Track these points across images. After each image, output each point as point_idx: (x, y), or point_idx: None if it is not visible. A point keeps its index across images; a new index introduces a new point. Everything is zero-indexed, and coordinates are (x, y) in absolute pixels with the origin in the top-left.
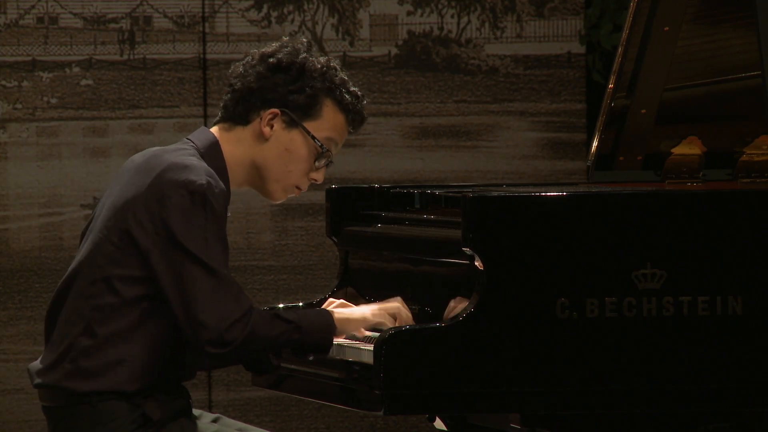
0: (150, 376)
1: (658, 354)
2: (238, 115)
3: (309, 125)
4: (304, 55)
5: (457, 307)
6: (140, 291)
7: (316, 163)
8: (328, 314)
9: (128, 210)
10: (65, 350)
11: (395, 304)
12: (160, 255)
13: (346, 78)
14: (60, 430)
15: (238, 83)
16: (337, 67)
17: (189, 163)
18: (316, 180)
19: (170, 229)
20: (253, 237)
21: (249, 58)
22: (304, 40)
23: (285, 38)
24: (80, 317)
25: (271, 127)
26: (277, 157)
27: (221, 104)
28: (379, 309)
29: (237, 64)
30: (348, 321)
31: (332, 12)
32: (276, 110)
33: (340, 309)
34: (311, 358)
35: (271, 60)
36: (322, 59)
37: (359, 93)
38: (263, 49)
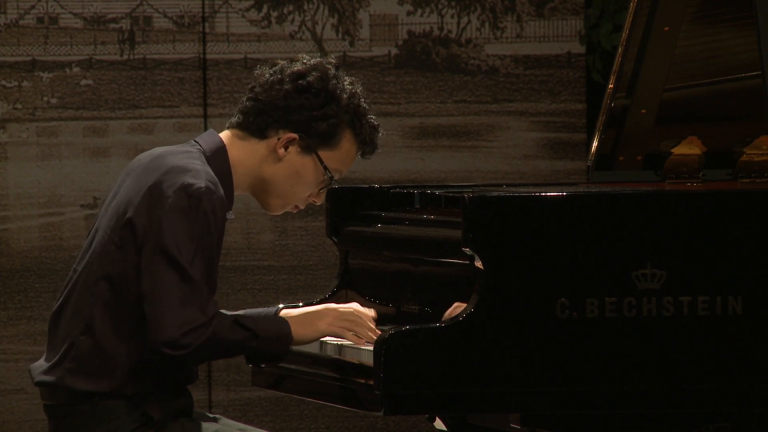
0: (151, 376)
1: (658, 354)
2: (255, 127)
3: (323, 154)
4: (334, 81)
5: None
6: (140, 291)
7: (320, 190)
8: (286, 324)
9: (130, 209)
10: (67, 349)
11: (351, 311)
12: (147, 251)
13: (367, 107)
14: (61, 428)
15: (263, 95)
16: (361, 94)
17: (192, 166)
18: (315, 202)
19: (161, 229)
20: (253, 237)
21: (278, 71)
22: (333, 61)
23: (316, 59)
24: (82, 316)
25: (287, 149)
26: (285, 177)
27: (239, 108)
28: (336, 319)
29: (264, 70)
30: (305, 331)
31: (332, 12)
32: (295, 135)
33: (298, 313)
34: (263, 366)
35: (301, 81)
36: (348, 85)
37: (376, 123)
38: (294, 67)
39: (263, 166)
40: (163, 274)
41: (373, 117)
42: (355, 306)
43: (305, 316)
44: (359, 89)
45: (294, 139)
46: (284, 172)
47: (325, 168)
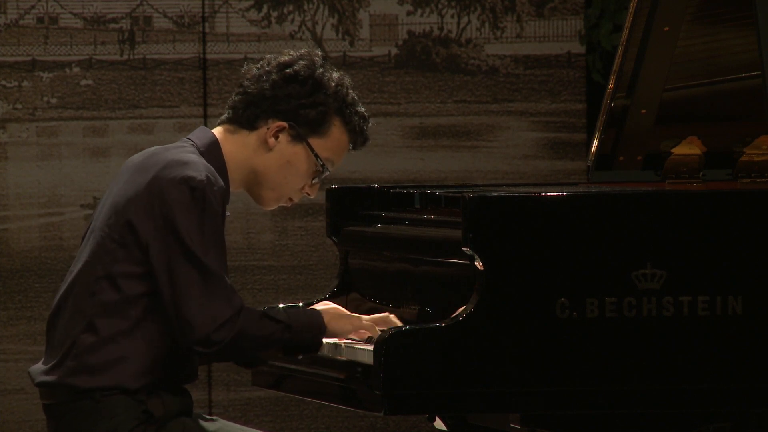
0: (153, 373)
1: (658, 354)
2: (245, 119)
3: (314, 142)
4: (321, 70)
5: None
6: (142, 288)
7: (314, 180)
8: (318, 314)
9: (129, 207)
10: (68, 348)
11: (386, 316)
12: (159, 250)
13: (356, 97)
14: (61, 427)
15: (251, 87)
16: (349, 85)
17: (188, 159)
18: (309, 194)
19: (171, 225)
20: (253, 237)
21: (265, 63)
22: (320, 52)
23: (303, 50)
24: (83, 315)
25: (277, 138)
26: (277, 168)
27: (229, 104)
28: (371, 318)
29: (251, 65)
30: (338, 322)
31: (332, 12)
32: (284, 123)
33: (328, 308)
34: (300, 357)
35: (288, 70)
36: (336, 75)
37: (366, 114)
38: (281, 58)
39: (255, 157)
40: (182, 272)
41: (363, 108)
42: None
43: (335, 309)
44: (348, 80)
45: (283, 127)
46: (276, 162)
47: (316, 156)
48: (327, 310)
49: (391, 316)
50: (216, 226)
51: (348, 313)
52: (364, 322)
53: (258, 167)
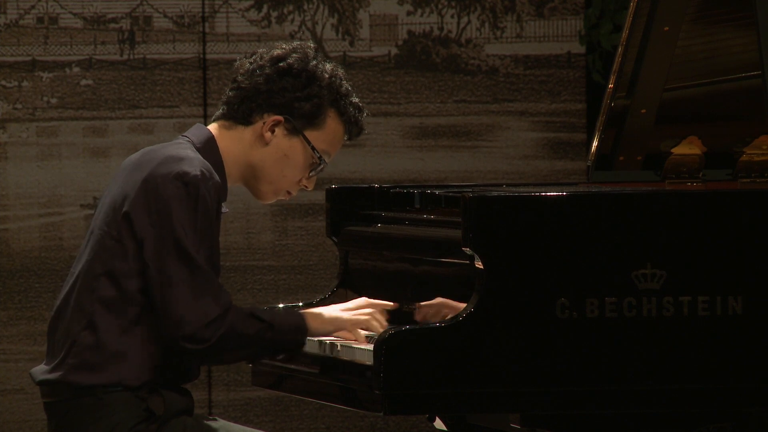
0: (154, 370)
1: (658, 354)
2: (240, 114)
3: (310, 135)
4: (314, 62)
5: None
6: (141, 284)
7: (311, 173)
8: (301, 316)
9: (126, 204)
10: (69, 347)
11: (367, 311)
12: (151, 244)
13: (350, 87)
14: (62, 425)
15: (245, 82)
16: (343, 76)
17: (184, 155)
18: (306, 187)
19: (165, 220)
20: (253, 237)
21: (257, 58)
22: (312, 44)
23: (295, 42)
24: (84, 313)
25: (273, 132)
26: (274, 162)
27: (223, 99)
28: (353, 315)
29: (243, 60)
30: (320, 323)
31: (332, 12)
32: (280, 117)
33: (312, 310)
34: (280, 357)
35: (281, 64)
36: (329, 67)
37: (360, 104)
38: (274, 52)
39: (251, 152)
40: (173, 267)
41: (357, 98)
42: (364, 300)
43: (320, 310)
44: (341, 71)
45: (279, 121)
46: (272, 156)
47: (313, 149)
48: (308, 312)
49: (368, 300)
50: (209, 222)
51: (330, 315)
52: (345, 321)
53: (255, 162)
